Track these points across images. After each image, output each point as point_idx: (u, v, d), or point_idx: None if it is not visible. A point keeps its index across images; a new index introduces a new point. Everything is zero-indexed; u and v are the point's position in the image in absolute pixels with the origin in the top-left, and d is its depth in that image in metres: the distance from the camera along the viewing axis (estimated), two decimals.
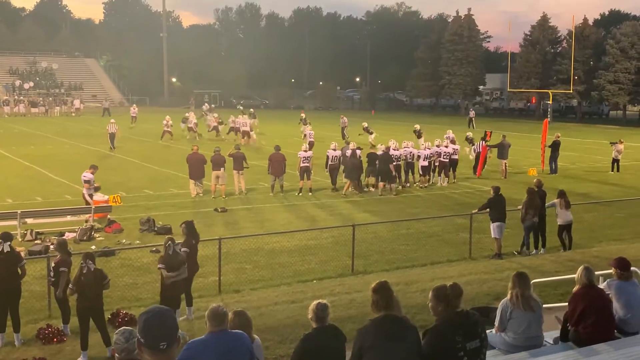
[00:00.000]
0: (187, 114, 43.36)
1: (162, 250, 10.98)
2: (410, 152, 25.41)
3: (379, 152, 24.15)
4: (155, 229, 17.62)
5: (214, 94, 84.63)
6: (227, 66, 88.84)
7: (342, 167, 24.65)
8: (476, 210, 16.55)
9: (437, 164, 25.90)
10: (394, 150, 24.65)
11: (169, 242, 10.72)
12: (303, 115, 45.28)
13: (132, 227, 18.00)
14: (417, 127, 34.99)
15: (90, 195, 18.81)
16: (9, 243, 10.58)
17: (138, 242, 16.50)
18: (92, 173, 19.17)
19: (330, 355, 5.99)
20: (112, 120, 37.67)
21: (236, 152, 23.40)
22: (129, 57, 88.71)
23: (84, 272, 9.80)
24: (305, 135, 35.42)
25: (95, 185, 19.16)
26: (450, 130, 32.32)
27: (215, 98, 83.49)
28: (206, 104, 56.04)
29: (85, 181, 18.90)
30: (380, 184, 23.89)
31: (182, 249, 11.18)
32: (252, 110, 47.13)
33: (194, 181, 22.72)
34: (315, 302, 6.31)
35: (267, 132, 43.98)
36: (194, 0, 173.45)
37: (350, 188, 23.86)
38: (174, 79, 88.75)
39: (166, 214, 19.52)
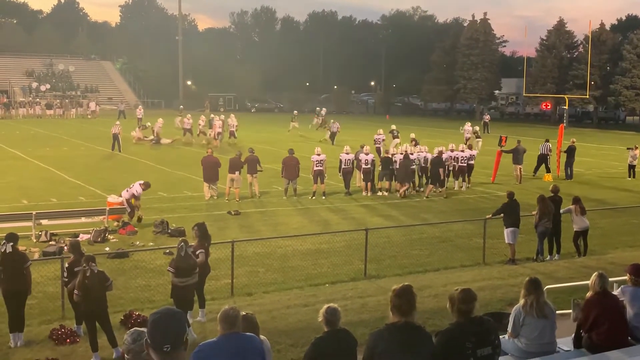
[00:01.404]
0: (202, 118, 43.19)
1: (175, 252, 11.01)
2: (425, 157, 25.34)
3: (397, 157, 24.45)
4: (169, 231, 17.68)
5: (229, 97, 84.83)
6: (242, 69, 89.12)
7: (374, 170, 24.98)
8: (490, 215, 16.46)
9: (451, 168, 25.76)
10: (410, 154, 24.77)
11: (182, 243, 10.75)
12: (320, 110, 45.81)
13: (146, 229, 18.08)
14: (393, 127, 37.09)
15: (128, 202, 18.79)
16: (12, 244, 10.57)
17: (152, 244, 16.56)
18: (144, 189, 19.24)
19: (341, 358, 5.97)
20: (117, 122, 38.44)
21: (250, 155, 23.46)
22: (144, 60, 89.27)
23: (88, 275, 9.74)
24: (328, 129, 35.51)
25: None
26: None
27: (230, 101, 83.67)
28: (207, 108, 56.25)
29: (134, 195, 18.88)
30: (404, 185, 24.31)
31: (198, 251, 11.21)
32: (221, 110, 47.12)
33: (209, 184, 22.80)
34: (325, 306, 6.30)
35: (280, 136, 44.06)
36: (209, 4, 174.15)
37: (405, 190, 24.27)
38: (189, 82, 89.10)
39: (180, 217, 19.60)
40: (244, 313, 6.24)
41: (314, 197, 23.43)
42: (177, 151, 37.03)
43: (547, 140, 30.71)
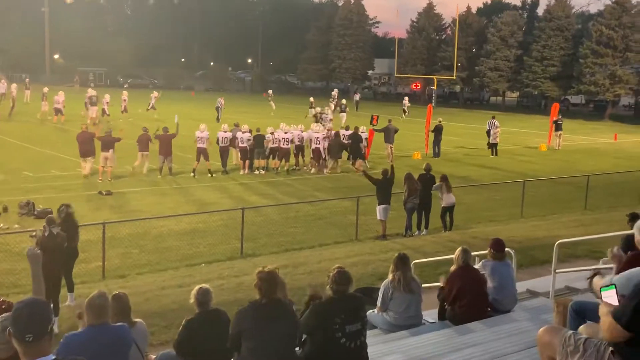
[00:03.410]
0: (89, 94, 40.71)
1: (38, 232, 10.58)
2: (299, 135, 25.65)
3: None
4: (35, 212, 16.89)
5: (100, 72, 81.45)
6: (113, 44, 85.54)
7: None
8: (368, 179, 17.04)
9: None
10: (285, 133, 25.11)
11: (45, 223, 10.35)
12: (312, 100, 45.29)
13: (11, 210, 17.15)
14: (318, 109, 37.37)
15: None
16: None
17: (17, 226, 15.75)
18: None
19: (213, 338, 6.02)
20: None
21: (143, 133, 23.02)
22: (7, 32, 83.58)
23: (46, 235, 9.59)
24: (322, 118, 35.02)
25: None
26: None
27: (101, 77, 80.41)
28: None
29: None
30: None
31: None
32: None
33: (86, 158, 22.05)
34: (197, 287, 6.32)
35: (161, 113, 42.85)
36: None
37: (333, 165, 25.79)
38: (56, 56, 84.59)
39: (47, 197, 18.71)
40: (115, 292, 6.11)
41: (194, 175, 23.17)
42: (44, 129, 35.21)
43: (493, 117, 34.07)
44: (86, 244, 12.65)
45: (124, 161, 23.45)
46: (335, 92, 52.56)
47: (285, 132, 25.23)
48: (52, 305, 10.02)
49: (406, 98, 55.97)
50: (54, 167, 23.78)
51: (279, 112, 47.70)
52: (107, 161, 21.85)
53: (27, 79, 53.25)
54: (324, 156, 25.63)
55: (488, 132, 33.21)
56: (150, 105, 41.78)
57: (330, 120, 34.41)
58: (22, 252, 13.26)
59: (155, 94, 44.07)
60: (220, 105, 42.75)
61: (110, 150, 21.77)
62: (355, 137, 26.37)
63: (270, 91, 53.27)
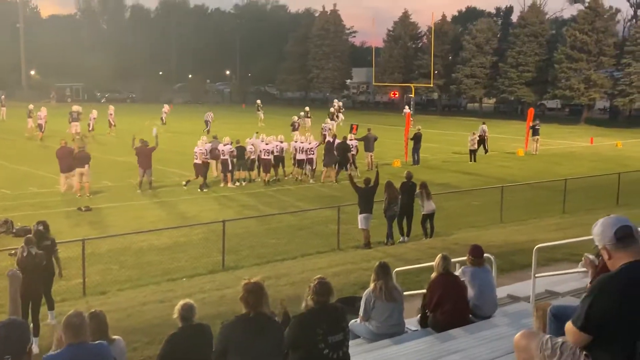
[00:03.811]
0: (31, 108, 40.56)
1: (18, 253, 10.48)
2: (277, 146, 25.64)
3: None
4: (14, 230, 16.73)
5: (77, 87, 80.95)
6: (90, 58, 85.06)
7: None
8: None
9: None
10: (266, 144, 25.22)
11: (24, 243, 10.27)
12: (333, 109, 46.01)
13: None
14: (295, 118, 38.40)
15: None
16: None
17: None
18: None
19: (197, 353, 6.00)
20: None
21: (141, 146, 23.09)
22: None
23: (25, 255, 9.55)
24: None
25: None
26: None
27: (78, 91, 79.95)
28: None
29: None
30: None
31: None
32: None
33: (65, 174, 21.92)
34: (181, 302, 6.30)
35: (133, 127, 42.62)
36: None
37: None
38: (32, 72, 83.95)
39: (25, 215, 18.54)
40: (92, 310, 6.06)
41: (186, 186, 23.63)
42: (18, 145, 34.89)
43: (483, 123, 35.49)
44: (66, 260, 12.52)
45: (102, 176, 23.33)
46: (336, 103, 52.54)
47: (267, 144, 25.25)
48: (32, 325, 9.93)
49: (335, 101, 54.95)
50: (31, 184, 23.57)
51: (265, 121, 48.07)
52: (82, 177, 21.75)
53: (3, 96, 52.80)
54: (313, 166, 25.94)
55: (482, 138, 33.99)
56: (163, 119, 41.80)
57: (330, 129, 34.75)
58: (1, 272, 13.16)
59: (165, 108, 44.20)
60: (209, 119, 43.25)
61: (86, 166, 21.72)
62: (343, 146, 26.44)
63: (258, 101, 54.09)
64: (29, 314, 10.04)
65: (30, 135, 38.17)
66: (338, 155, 26.16)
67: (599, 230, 3.81)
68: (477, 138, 33.00)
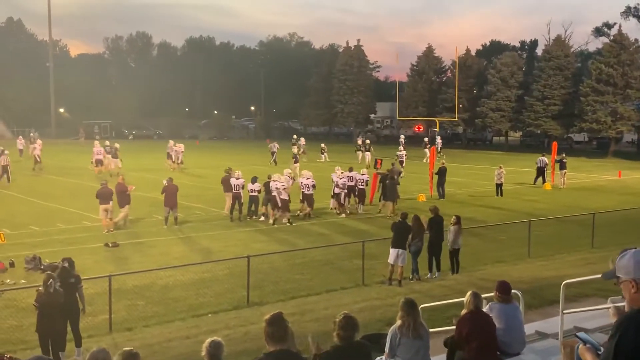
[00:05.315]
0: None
1: (42, 287, 10.57)
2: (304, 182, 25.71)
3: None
4: (42, 267, 16.86)
5: (105, 124, 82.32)
6: (118, 96, 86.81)
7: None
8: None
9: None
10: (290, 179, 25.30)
11: (50, 279, 10.36)
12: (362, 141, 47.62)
13: (17, 266, 17.16)
14: (295, 150, 40.29)
15: None
16: None
17: (23, 281, 15.72)
18: None
19: None
20: (7, 152, 35.82)
21: (168, 184, 23.33)
22: (14, 88, 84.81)
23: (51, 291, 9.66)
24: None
25: None
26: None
27: (106, 128, 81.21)
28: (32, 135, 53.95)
29: None
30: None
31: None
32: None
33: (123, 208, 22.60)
34: (209, 339, 6.25)
35: (161, 164, 43.08)
36: (82, 29, 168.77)
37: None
38: (61, 110, 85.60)
39: (53, 251, 18.74)
40: (126, 349, 6.06)
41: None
42: (47, 182, 35.43)
43: (543, 155, 36.82)
44: (93, 296, 12.64)
45: (131, 211, 23.49)
46: (360, 137, 53.08)
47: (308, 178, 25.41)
48: None
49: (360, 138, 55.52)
50: (59, 220, 23.85)
51: (287, 157, 48.03)
52: (106, 213, 22.00)
53: (32, 134, 53.90)
54: (343, 201, 25.97)
55: (540, 169, 36.59)
56: (179, 159, 42.07)
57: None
58: (29, 308, 13.29)
59: (178, 146, 44.48)
60: (274, 149, 45.60)
61: (110, 202, 21.98)
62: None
63: (302, 139, 52.61)
64: (50, 350, 10.08)
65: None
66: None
67: (630, 263, 3.74)
68: (503, 172, 32.60)
